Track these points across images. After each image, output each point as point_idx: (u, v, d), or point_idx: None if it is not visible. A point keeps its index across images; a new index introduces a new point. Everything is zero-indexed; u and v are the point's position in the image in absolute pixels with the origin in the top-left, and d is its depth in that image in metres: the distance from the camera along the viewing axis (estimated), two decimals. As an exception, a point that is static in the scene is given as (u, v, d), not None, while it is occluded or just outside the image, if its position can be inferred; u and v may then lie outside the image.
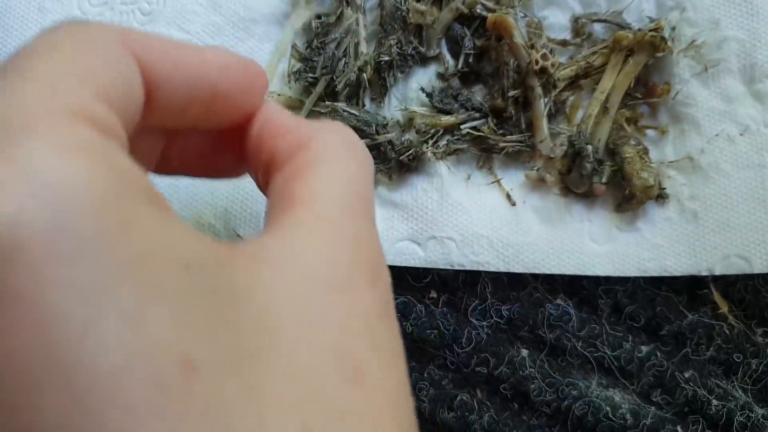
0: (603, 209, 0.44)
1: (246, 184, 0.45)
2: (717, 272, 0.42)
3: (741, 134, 0.43)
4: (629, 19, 0.46)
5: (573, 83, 0.45)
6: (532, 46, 0.44)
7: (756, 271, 0.42)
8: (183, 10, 0.47)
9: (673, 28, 0.45)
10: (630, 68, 0.44)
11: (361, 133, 0.44)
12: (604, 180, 0.43)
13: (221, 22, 0.47)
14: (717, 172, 0.43)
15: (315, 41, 0.46)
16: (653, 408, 0.43)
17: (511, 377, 0.44)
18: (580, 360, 0.44)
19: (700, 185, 0.43)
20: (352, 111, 0.45)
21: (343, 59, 0.45)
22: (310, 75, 0.45)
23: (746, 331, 0.44)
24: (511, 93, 0.44)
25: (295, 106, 0.47)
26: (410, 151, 0.43)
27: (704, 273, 0.42)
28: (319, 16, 0.46)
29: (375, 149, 0.45)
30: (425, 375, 0.44)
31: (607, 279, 0.44)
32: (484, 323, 0.44)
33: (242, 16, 0.47)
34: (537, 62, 0.43)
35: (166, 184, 0.45)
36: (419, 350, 0.44)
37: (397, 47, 0.46)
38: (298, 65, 0.46)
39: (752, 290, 0.44)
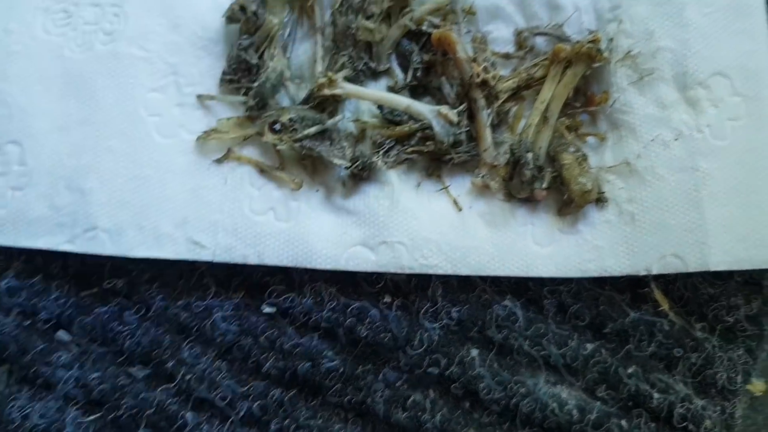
0: (546, 213, 0.46)
1: (205, 193, 0.47)
2: (654, 272, 0.44)
3: (675, 139, 0.45)
4: (570, 31, 0.48)
5: (515, 94, 0.48)
6: (475, 60, 0.46)
7: (690, 270, 0.44)
8: (144, 30, 0.49)
9: (611, 40, 0.47)
10: (568, 79, 0.46)
11: (312, 122, 0.46)
12: (544, 185, 0.45)
13: (181, 42, 0.49)
14: (653, 175, 0.45)
15: (236, 47, 0.48)
16: (598, 403, 0.45)
17: (462, 377, 0.45)
18: (527, 358, 0.45)
19: (637, 188, 0.45)
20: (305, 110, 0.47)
21: (258, 63, 0.47)
22: (229, 76, 0.47)
23: (686, 327, 0.45)
24: (458, 108, 0.46)
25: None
26: (357, 163, 0.45)
27: (642, 273, 0.44)
28: (247, 21, 0.48)
29: (328, 140, 0.46)
30: (380, 377, 0.46)
31: (552, 279, 0.46)
32: (436, 325, 0.46)
33: (201, 36, 0.49)
34: (478, 75, 0.45)
35: (129, 189, 0.47)
36: (374, 353, 0.46)
37: (349, 63, 0.48)
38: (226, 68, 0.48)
39: (691, 287, 0.46)
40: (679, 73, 0.46)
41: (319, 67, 0.48)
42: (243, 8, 0.48)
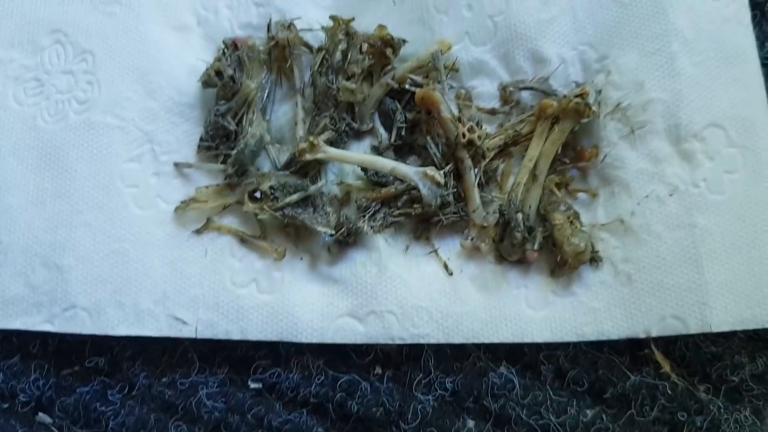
0: (539, 275, 0.45)
1: (185, 266, 0.45)
2: (654, 334, 0.42)
3: (670, 195, 0.44)
4: (556, 84, 0.47)
5: (502, 151, 0.46)
6: (460, 119, 0.44)
7: (692, 332, 0.42)
8: (118, 98, 0.47)
9: (599, 92, 0.46)
10: (556, 135, 0.45)
11: (293, 188, 0.45)
12: (536, 247, 0.43)
13: (156, 108, 0.47)
14: (648, 233, 0.43)
15: (213, 113, 0.46)
16: (601, 472, 0.43)
17: (458, 449, 0.43)
18: (525, 428, 0.44)
19: (633, 247, 0.43)
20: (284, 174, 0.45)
21: (236, 130, 0.46)
22: (207, 143, 0.46)
23: (689, 388, 0.44)
24: (444, 169, 0.44)
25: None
26: (342, 229, 0.44)
27: (641, 336, 0.43)
28: (224, 86, 0.46)
29: (311, 206, 0.45)
30: (373, 451, 0.44)
31: (549, 344, 0.44)
32: (430, 396, 0.44)
33: (177, 101, 0.48)
34: (464, 135, 0.44)
35: (107, 265, 0.45)
36: (366, 429, 0.44)
37: (331, 124, 0.47)
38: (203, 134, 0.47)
39: (693, 346, 0.44)
40: (672, 125, 0.44)
41: (300, 131, 0.47)
42: (219, 73, 0.46)
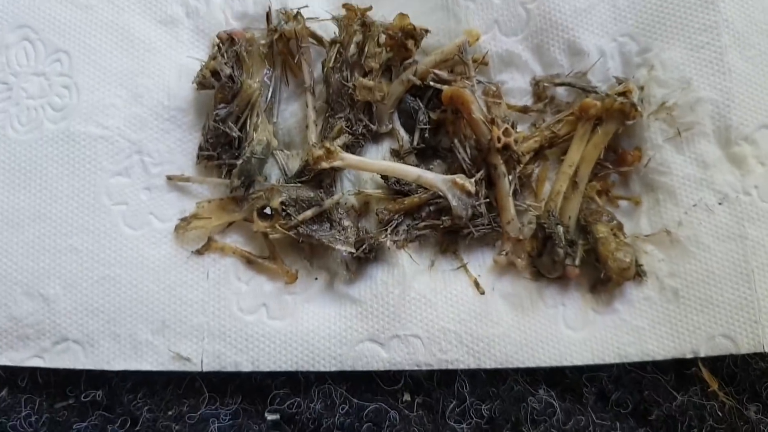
0: (577, 291, 0.41)
1: (185, 291, 0.41)
2: (702, 354, 0.39)
3: (720, 203, 0.40)
4: (594, 79, 0.42)
5: (538, 154, 0.42)
6: (492, 121, 0.40)
7: (742, 352, 0.39)
8: (100, 104, 0.42)
9: (642, 88, 0.42)
10: (599, 138, 0.40)
11: (307, 203, 0.40)
12: (577, 262, 0.40)
13: (144, 114, 0.42)
14: (697, 245, 0.40)
15: (212, 118, 0.41)
16: (645, 498, 0.40)
17: (494, 480, 0.40)
18: (566, 455, 0.41)
19: (680, 260, 0.40)
20: (290, 186, 0.41)
21: (239, 136, 0.41)
22: (207, 153, 0.41)
23: (738, 408, 0.41)
24: (476, 176, 0.40)
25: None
26: (363, 246, 0.40)
27: (689, 356, 0.40)
28: (222, 87, 0.41)
29: (327, 221, 0.41)
30: (402, 485, 0.41)
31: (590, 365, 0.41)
32: (464, 425, 0.41)
33: (167, 105, 0.42)
34: (499, 140, 0.39)
35: (98, 293, 0.40)
36: (394, 459, 0.41)
37: (347, 127, 0.42)
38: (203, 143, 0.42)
39: (742, 364, 0.41)
40: (722, 126, 0.40)
41: (313, 135, 0.42)
42: (215, 73, 0.40)
